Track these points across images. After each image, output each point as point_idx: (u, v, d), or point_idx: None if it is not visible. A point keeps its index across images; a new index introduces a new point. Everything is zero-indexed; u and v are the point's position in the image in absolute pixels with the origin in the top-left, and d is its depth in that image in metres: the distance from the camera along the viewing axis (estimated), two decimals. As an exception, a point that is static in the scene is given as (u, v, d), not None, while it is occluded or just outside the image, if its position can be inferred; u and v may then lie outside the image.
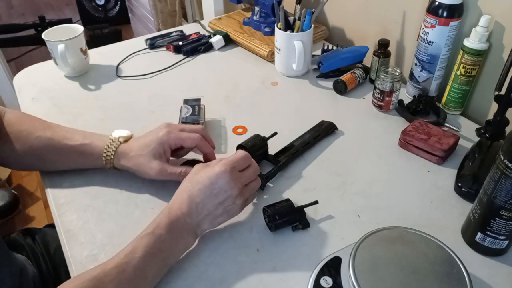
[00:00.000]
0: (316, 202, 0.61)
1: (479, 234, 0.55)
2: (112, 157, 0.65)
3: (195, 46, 1.06)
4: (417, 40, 0.82)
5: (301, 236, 0.59)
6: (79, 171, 0.70)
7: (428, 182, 0.68)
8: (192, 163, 0.67)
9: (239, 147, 0.69)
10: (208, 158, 0.67)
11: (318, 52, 1.02)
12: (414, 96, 0.85)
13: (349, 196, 0.66)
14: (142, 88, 0.94)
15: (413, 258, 0.50)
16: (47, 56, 0.97)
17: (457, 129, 0.78)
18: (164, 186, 0.66)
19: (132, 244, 0.51)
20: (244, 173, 0.58)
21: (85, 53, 0.96)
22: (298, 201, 0.61)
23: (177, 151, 0.68)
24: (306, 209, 0.60)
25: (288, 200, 0.60)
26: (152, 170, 0.63)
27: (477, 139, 0.71)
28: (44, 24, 2.63)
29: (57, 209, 0.64)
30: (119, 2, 3.00)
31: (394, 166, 0.71)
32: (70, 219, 0.63)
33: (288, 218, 0.59)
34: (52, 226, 0.80)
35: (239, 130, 0.80)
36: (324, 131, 0.77)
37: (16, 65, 2.56)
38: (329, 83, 0.92)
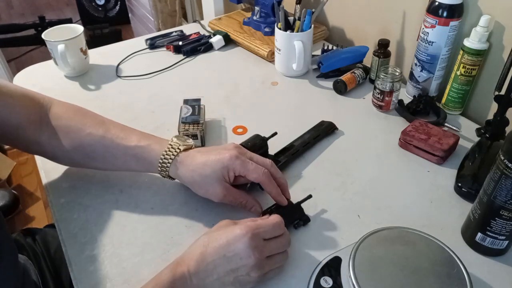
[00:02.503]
0: (310, 196, 0.61)
1: (479, 234, 0.55)
2: (169, 165, 0.59)
3: (195, 46, 1.06)
4: (417, 40, 0.82)
5: (301, 236, 0.59)
6: (80, 171, 0.70)
7: (428, 182, 0.68)
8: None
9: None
10: (275, 199, 0.60)
11: (318, 52, 1.02)
12: (414, 96, 0.85)
13: (349, 196, 0.66)
14: (142, 88, 0.94)
15: (413, 258, 0.50)
16: (47, 56, 0.97)
17: (457, 129, 0.78)
18: (164, 186, 0.66)
19: None
20: (270, 243, 0.50)
21: (85, 53, 0.96)
22: (297, 201, 0.61)
23: (239, 177, 0.60)
24: (305, 207, 0.60)
25: (287, 200, 0.60)
26: (216, 195, 0.58)
27: (477, 139, 0.71)
28: (44, 24, 2.63)
29: (57, 209, 0.64)
30: (119, 2, 3.00)
31: (394, 166, 0.71)
32: (70, 219, 0.63)
33: (288, 217, 0.59)
34: (52, 226, 0.80)
35: (239, 130, 0.80)
36: (324, 131, 0.77)
37: (16, 65, 2.56)
38: (329, 83, 0.92)
